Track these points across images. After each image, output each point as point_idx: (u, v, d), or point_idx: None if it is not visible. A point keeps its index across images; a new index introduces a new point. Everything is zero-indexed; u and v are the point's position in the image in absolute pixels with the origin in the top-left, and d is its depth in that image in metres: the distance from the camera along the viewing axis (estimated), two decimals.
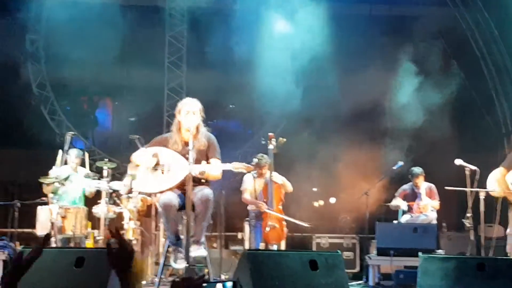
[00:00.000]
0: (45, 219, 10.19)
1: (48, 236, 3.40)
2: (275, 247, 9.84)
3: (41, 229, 10.26)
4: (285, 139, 10.17)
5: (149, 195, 8.98)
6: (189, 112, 7.25)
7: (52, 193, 10.13)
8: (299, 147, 12.68)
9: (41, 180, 10.24)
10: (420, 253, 7.72)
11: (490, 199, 9.28)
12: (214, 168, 7.16)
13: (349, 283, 9.85)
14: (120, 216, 9.85)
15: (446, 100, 13.00)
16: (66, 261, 5.71)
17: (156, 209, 9.07)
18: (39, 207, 10.56)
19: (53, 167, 10.28)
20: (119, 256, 2.95)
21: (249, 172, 8.26)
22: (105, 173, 9.97)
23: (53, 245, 9.48)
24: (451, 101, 13.42)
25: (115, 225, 9.71)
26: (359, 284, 10.70)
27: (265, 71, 13.00)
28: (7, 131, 13.85)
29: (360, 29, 14.81)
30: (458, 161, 9.65)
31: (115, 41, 13.61)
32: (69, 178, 10.40)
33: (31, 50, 14.90)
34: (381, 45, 14.88)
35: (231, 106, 13.50)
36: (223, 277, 7.20)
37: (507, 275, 6.95)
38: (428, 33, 14.72)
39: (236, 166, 7.27)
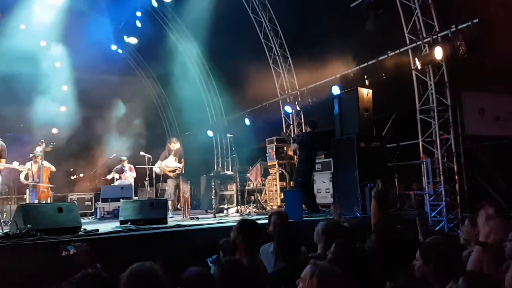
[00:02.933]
0: None
1: None
2: (43, 202, 8.91)
3: None
4: (54, 143, 9.34)
5: None
6: None
7: None
8: (64, 148, 11.61)
9: None
10: (121, 199, 7.60)
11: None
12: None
13: (87, 218, 9.36)
14: None
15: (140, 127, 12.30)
16: None
17: None
18: None
19: None
20: None
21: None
22: None
23: None
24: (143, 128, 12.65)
25: None
26: (92, 217, 10.18)
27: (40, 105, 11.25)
28: None
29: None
30: (142, 153, 9.66)
31: None
32: None
33: None
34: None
35: (22, 125, 11.87)
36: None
37: (163, 207, 7.10)
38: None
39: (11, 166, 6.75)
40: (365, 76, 8.66)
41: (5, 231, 5.45)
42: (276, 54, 11.75)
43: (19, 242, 4.71)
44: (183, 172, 9.52)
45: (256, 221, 4.09)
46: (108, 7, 11.12)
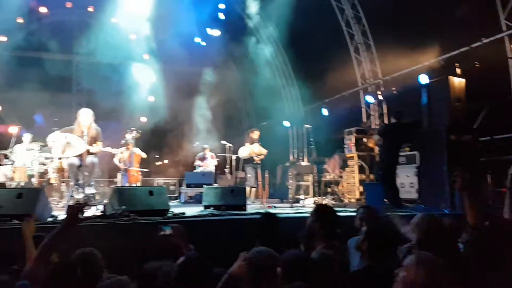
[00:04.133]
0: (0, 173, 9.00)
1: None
2: (133, 185, 9.48)
3: None
4: (141, 131, 9.87)
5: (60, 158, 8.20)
6: (84, 115, 6.84)
7: (6, 158, 8.99)
8: (151, 135, 12.24)
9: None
10: (204, 185, 7.81)
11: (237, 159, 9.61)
12: (97, 149, 6.83)
13: (171, 202, 9.79)
14: (46, 171, 8.97)
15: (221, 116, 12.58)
16: (12, 194, 5.16)
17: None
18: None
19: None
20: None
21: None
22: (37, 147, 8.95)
23: None
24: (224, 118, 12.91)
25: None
26: (177, 201, 10.62)
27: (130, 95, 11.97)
28: None
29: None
30: (223, 141, 9.86)
31: None
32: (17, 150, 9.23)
33: None
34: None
35: (112, 114, 12.72)
36: (105, 201, 6.84)
37: (242, 194, 7.19)
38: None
39: (108, 150, 7.22)
40: (456, 64, 8.05)
41: (100, 211, 5.83)
42: (358, 42, 11.34)
43: (114, 222, 5.03)
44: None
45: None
46: (193, 1, 11.43)
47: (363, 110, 11.67)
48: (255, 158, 9.47)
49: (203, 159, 11.07)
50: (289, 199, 9.43)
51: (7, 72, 13.02)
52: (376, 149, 10.01)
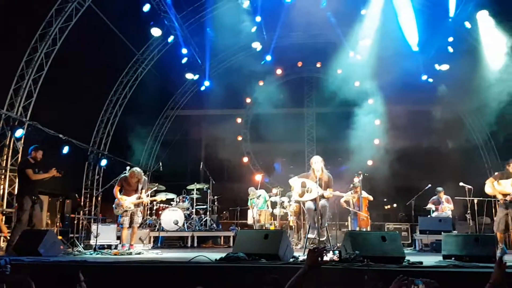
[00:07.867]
0: (250, 216, 10.52)
1: None
2: (363, 229, 9.44)
3: (249, 221, 10.62)
4: (367, 174, 9.87)
5: (299, 202, 8.88)
6: (316, 162, 7.25)
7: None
8: (377, 179, 12.07)
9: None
10: (442, 232, 7.18)
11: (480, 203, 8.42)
12: (329, 193, 7.09)
13: (404, 248, 9.28)
14: (285, 215, 9.92)
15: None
16: (259, 236, 5.83)
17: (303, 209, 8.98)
18: (248, 210, 10.80)
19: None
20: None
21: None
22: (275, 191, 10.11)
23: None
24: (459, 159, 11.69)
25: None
26: (410, 249, 10.01)
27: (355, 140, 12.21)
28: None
29: None
30: (461, 183, 8.90)
31: None
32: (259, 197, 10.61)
33: None
34: None
35: (339, 159, 13.21)
36: (338, 244, 7.03)
37: (490, 243, 6.29)
38: None
39: (340, 194, 7.37)
40: None
41: (336, 256, 5.92)
42: None
43: (349, 267, 5.05)
44: None
45: None
46: (420, 40, 11.05)
47: None
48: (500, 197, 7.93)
49: (437, 203, 10.22)
50: None
51: (252, 128, 15.37)
52: None
